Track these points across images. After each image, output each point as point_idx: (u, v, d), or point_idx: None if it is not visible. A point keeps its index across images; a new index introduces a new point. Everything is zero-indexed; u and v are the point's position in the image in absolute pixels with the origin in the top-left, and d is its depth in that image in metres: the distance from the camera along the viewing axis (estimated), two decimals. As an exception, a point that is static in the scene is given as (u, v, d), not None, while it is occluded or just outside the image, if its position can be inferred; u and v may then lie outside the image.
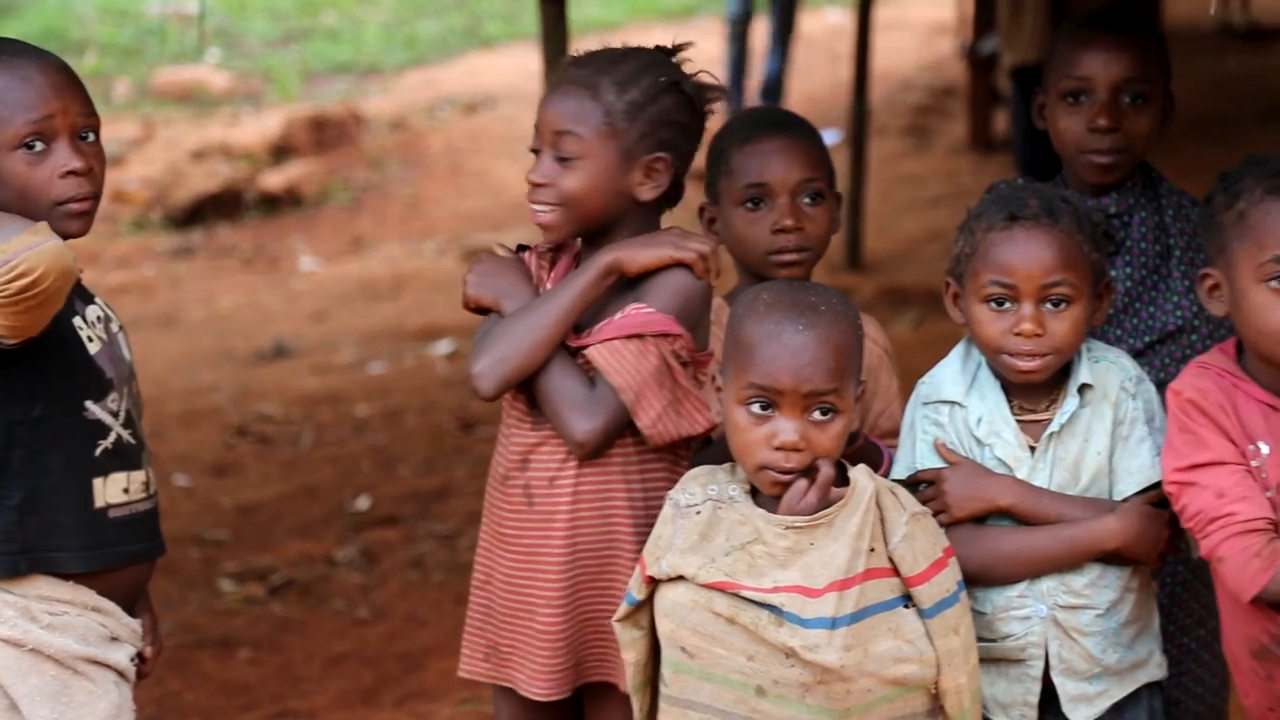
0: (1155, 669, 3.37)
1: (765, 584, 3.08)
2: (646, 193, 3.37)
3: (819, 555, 3.08)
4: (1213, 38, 14.31)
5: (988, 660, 3.28)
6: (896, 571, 3.12)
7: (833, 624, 3.05)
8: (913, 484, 3.34)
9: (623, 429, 3.32)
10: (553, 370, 3.32)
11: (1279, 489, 3.13)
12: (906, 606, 3.13)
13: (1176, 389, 3.22)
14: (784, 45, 12.31)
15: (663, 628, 3.16)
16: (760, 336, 3.10)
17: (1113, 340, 3.54)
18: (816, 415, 3.10)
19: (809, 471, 3.10)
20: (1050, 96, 3.72)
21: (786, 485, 3.11)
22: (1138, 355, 3.55)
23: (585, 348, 3.31)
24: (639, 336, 3.28)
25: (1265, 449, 3.15)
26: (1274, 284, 3.11)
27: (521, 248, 3.52)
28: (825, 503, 3.09)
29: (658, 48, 3.45)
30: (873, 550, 3.10)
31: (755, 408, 3.11)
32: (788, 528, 3.09)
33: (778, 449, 3.09)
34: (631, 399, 3.28)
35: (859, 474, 3.13)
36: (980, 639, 3.26)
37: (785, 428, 3.09)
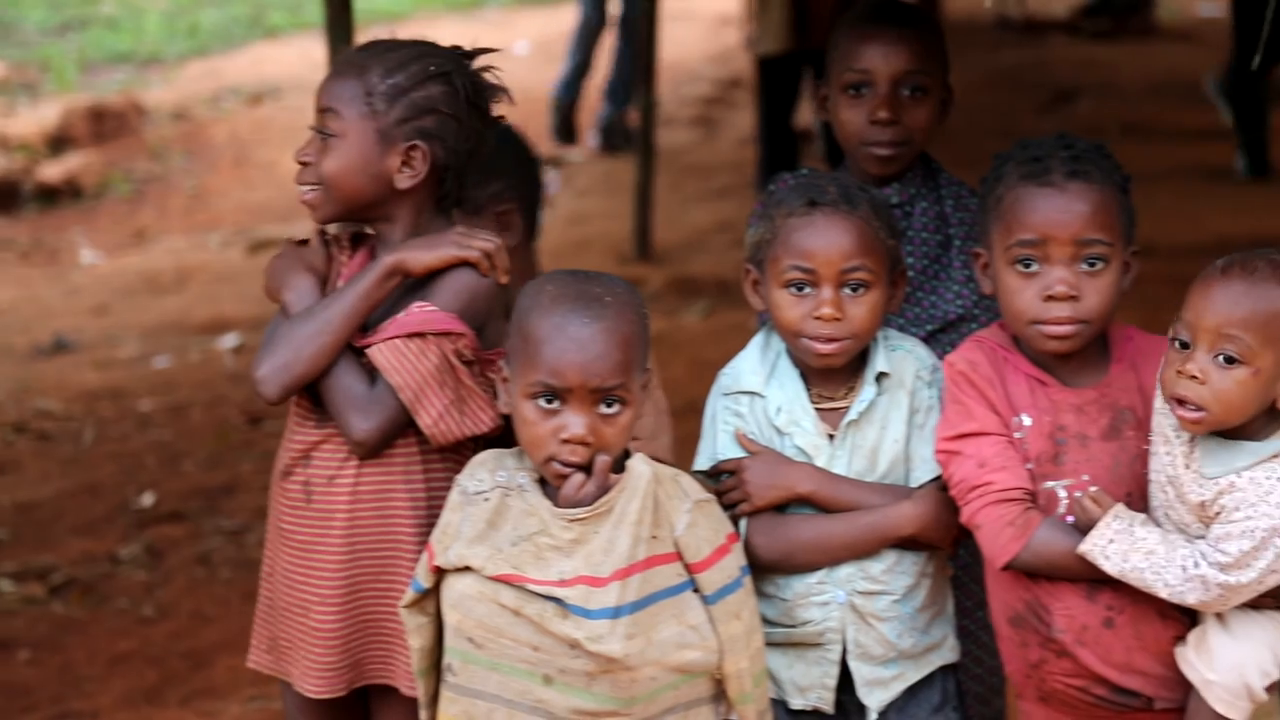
0: (949, 652, 3.44)
1: (551, 576, 3.08)
2: (404, 180, 3.33)
3: (601, 543, 3.09)
4: (990, 31, 14.61)
5: (787, 645, 3.33)
6: (681, 558, 3.14)
7: (615, 613, 3.06)
8: (714, 474, 3.37)
9: (403, 428, 3.30)
10: (335, 370, 3.29)
11: (1039, 460, 3.21)
12: (695, 592, 3.15)
13: (950, 360, 3.30)
14: (631, 48, 11.61)
15: (450, 619, 3.15)
16: (546, 330, 3.09)
17: (896, 329, 3.60)
18: (604, 408, 3.10)
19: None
20: (832, 89, 3.77)
21: (566, 477, 3.11)
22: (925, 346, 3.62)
23: (369, 347, 3.29)
24: (420, 335, 3.26)
25: (1028, 421, 3.23)
26: (1019, 267, 3.20)
27: (324, 236, 3.48)
28: (604, 490, 3.10)
29: (456, 47, 3.43)
30: (655, 537, 3.12)
31: (542, 402, 3.10)
32: (571, 520, 3.10)
33: (565, 442, 3.09)
34: (411, 398, 3.25)
35: (635, 461, 3.14)
36: (780, 625, 3.31)
37: (573, 422, 3.09)
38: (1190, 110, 12.13)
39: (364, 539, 3.33)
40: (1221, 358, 3.02)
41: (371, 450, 3.30)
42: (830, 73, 3.79)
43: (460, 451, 3.34)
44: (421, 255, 3.31)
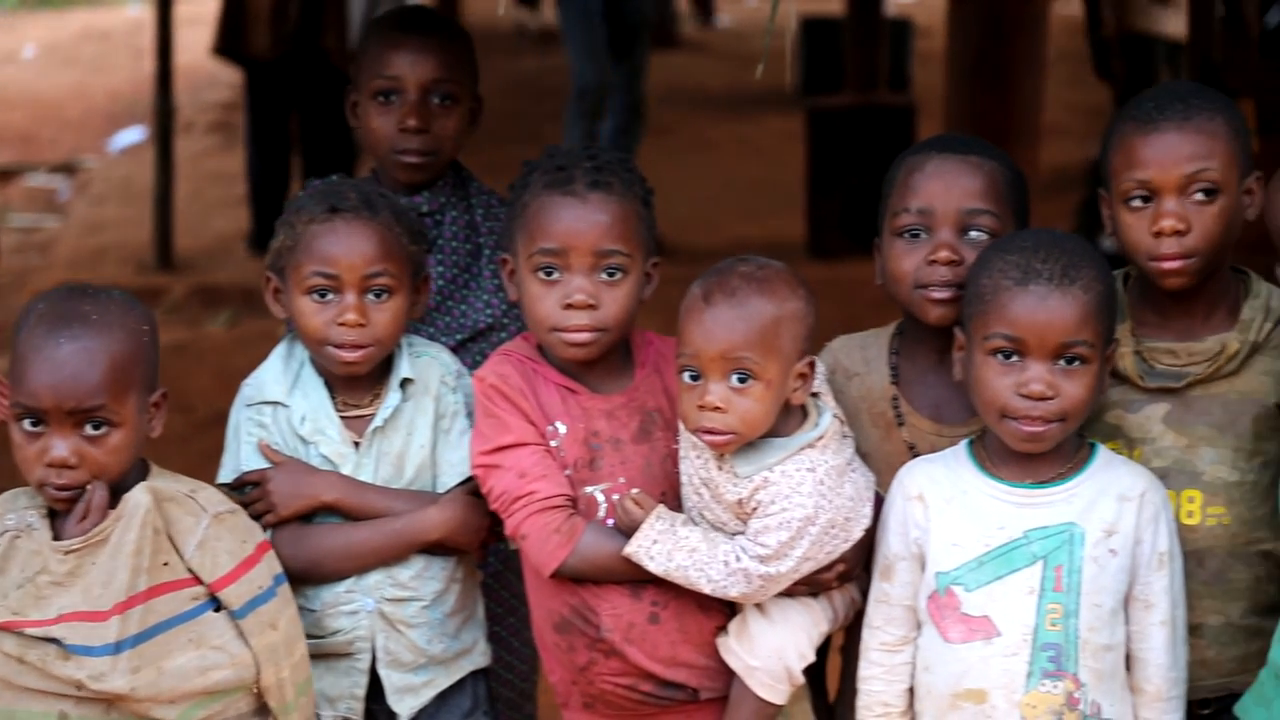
0: (480, 657, 3.44)
1: (50, 614, 2.99)
2: None
3: (100, 575, 3.00)
4: (509, 38, 14.76)
5: (317, 656, 3.28)
6: (199, 580, 3.07)
7: (117, 648, 2.99)
8: (239, 486, 3.31)
9: None
10: None
11: (576, 466, 3.25)
12: (217, 611, 3.08)
13: (480, 375, 3.30)
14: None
15: (-37, 671, 3.01)
16: (25, 350, 3.01)
17: (426, 337, 3.59)
18: (90, 430, 3.02)
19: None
20: (361, 95, 3.75)
21: (67, 502, 3.02)
22: (451, 352, 3.61)
23: None
24: None
25: (563, 429, 3.26)
26: (541, 275, 3.23)
27: None
28: (102, 519, 3.02)
29: None
30: (166, 564, 3.04)
31: (27, 424, 3.02)
32: (66, 552, 3.00)
33: (49, 466, 3.00)
34: None
35: (135, 490, 3.06)
36: (310, 636, 3.26)
37: (55, 445, 3.00)
38: (708, 118, 12.51)
39: None
40: (735, 379, 3.10)
41: None
42: (359, 79, 3.76)
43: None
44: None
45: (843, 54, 10.24)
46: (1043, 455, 3.08)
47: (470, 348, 3.67)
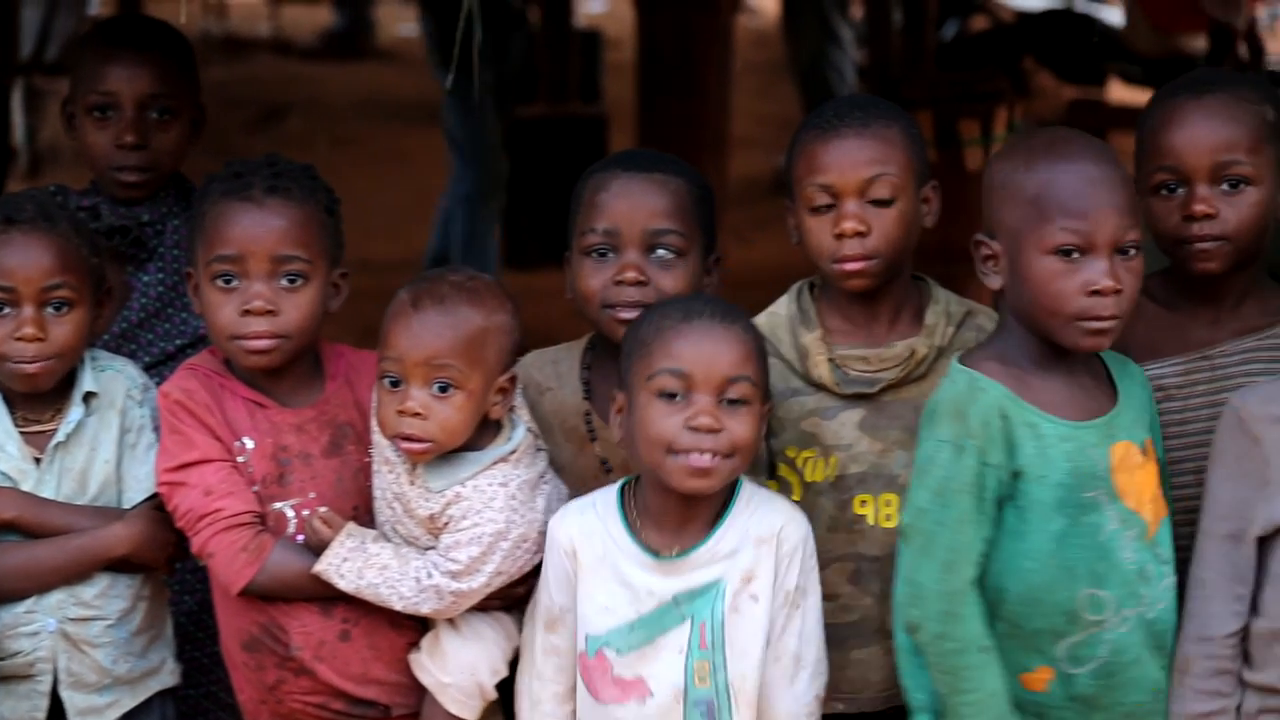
0: (168, 676, 3.39)
1: None
2: None
3: None
4: (195, 46, 14.51)
5: (-3, 679, 3.20)
6: None
7: None
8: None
9: None
10: None
11: (265, 482, 3.21)
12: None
13: (165, 391, 3.25)
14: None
15: None
16: None
17: (144, 344, 3.55)
18: None
19: None
20: (78, 109, 3.69)
21: None
22: (169, 359, 3.59)
23: None
24: None
25: (250, 444, 3.22)
26: (220, 283, 3.19)
27: None
28: None
29: None
30: None
31: None
32: None
33: None
34: None
35: None
36: (-11, 659, 3.18)
37: None
38: (398, 129, 12.44)
39: None
40: (437, 387, 3.09)
41: None
42: (75, 92, 3.70)
43: None
44: None
45: (535, 65, 10.26)
46: (695, 514, 3.07)
47: (189, 353, 3.60)
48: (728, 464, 3.03)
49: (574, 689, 3.14)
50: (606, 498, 3.14)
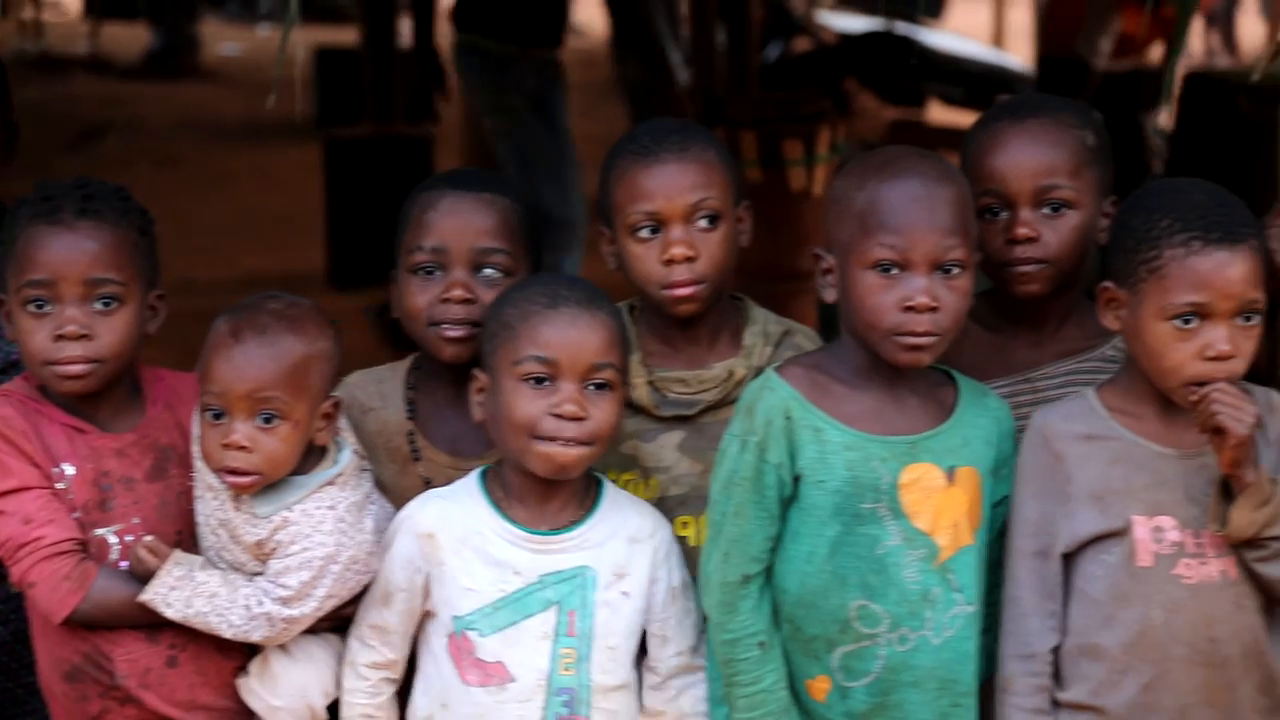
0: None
1: None
2: None
3: None
4: (9, 64, 14.26)
5: None
6: None
7: None
8: None
9: None
10: None
11: (86, 508, 3.15)
12: None
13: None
14: None
15: None
16: None
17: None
18: None
19: None
20: None
21: None
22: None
23: None
24: None
25: (70, 470, 3.16)
26: (32, 309, 3.13)
27: None
28: None
29: None
30: None
31: None
32: None
33: None
34: None
35: None
36: None
37: None
38: (224, 149, 12.32)
39: None
40: (261, 419, 3.06)
41: None
42: None
43: None
44: None
45: (361, 84, 10.21)
46: (557, 494, 3.10)
47: (2, 379, 3.52)
48: (588, 451, 3.06)
49: (392, 663, 3.15)
50: (468, 483, 3.16)
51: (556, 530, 3.11)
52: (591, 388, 3.06)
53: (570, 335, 3.05)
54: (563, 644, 3.09)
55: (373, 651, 3.16)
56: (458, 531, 3.11)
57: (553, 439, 3.04)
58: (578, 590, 3.10)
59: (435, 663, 3.14)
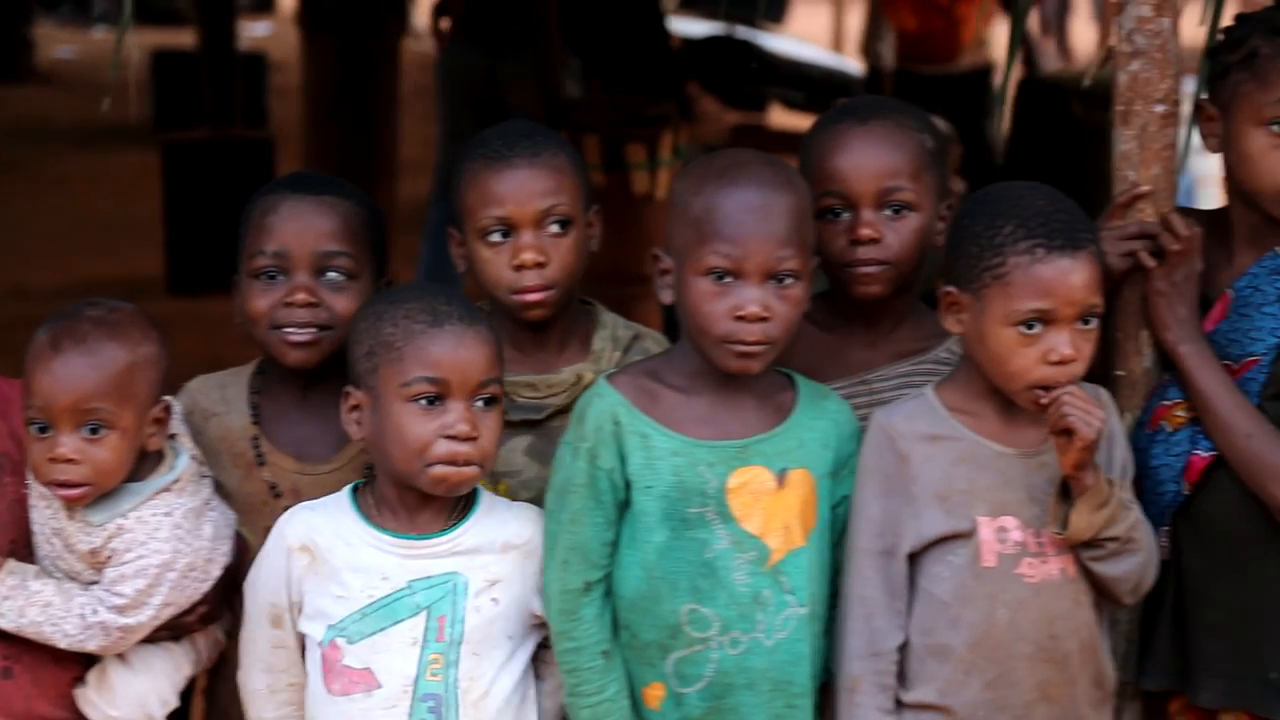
0: None
1: None
2: None
3: None
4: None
5: None
6: None
7: None
8: None
9: None
10: None
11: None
12: None
13: None
14: None
15: None
16: None
17: None
18: None
19: None
20: None
21: None
22: None
23: None
24: None
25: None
26: None
27: None
28: None
29: None
30: None
31: None
32: None
33: None
34: None
35: None
36: None
37: None
38: (57, 153, 12.14)
39: None
40: (87, 430, 3.01)
41: None
42: None
43: None
44: None
45: (198, 87, 10.10)
46: (430, 504, 3.07)
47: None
48: (475, 472, 3.03)
49: (300, 679, 3.10)
50: (337, 497, 3.12)
51: (426, 535, 3.08)
52: (480, 403, 3.03)
53: (460, 354, 3.01)
54: (431, 650, 3.05)
55: (285, 675, 3.11)
56: (327, 540, 3.07)
57: (449, 462, 3.00)
58: (448, 595, 3.07)
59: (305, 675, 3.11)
